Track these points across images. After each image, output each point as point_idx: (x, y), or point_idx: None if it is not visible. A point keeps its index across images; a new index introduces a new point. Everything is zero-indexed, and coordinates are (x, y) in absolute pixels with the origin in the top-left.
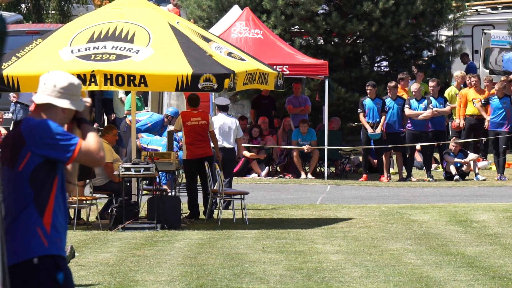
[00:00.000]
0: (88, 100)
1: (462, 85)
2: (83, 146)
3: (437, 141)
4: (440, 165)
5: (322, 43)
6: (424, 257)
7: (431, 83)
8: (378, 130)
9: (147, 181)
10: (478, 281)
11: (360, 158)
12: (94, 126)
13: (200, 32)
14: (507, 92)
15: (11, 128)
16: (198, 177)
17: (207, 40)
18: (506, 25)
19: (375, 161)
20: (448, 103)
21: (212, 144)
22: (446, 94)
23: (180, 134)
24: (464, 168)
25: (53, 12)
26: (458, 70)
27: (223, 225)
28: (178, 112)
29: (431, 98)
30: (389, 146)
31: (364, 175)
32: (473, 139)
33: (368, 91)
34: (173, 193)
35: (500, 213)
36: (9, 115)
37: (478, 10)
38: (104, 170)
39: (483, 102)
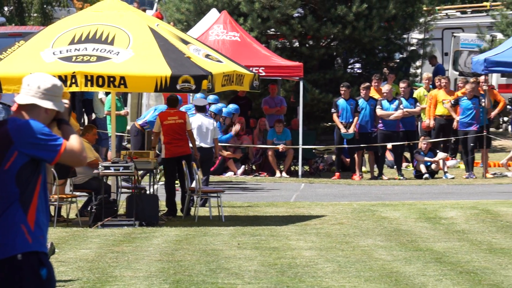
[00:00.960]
0: (67, 101)
1: (430, 86)
2: (67, 147)
3: (408, 140)
4: (410, 164)
5: (297, 45)
6: (394, 253)
7: (401, 84)
8: (351, 130)
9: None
10: (446, 276)
11: (333, 157)
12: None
13: (178, 35)
14: (476, 93)
15: None
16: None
17: (186, 42)
18: (475, 28)
19: (348, 160)
20: (417, 103)
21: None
22: (415, 95)
23: (226, 111)
24: (433, 166)
25: (35, 14)
26: (426, 72)
27: (200, 222)
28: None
29: (402, 99)
30: (361, 145)
31: (337, 174)
32: (442, 139)
33: (342, 92)
34: (151, 191)
35: (468, 210)
36: None
37: (448, 14)
38: (93, 167)
39: (452, 102)
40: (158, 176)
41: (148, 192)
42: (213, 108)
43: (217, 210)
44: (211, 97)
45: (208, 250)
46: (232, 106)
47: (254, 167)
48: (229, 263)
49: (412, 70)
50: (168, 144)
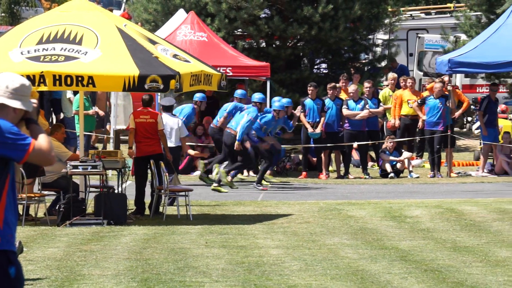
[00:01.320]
0: (35, 101)
1: (395, 87)
2: (36, 146)
3: (371, 140)
4: (376, 163)
5: (264, 45)
6: (360, 251)
7: (366, 84)
8: (318, 130)
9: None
10: (411, 274)
11: (300, 156)
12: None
13: (146, 35)
14: (443, 93)
15: None
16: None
17: (153, 42)
18: (439, 29)
19: (315, 159)
20: (381, 104)
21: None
22: (380, 96)
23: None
24: (398, 166)
25: (3, 14)
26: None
27: (168, 221)
28: (205, 96)
29: (367, 99)
30: (328, 145)
31: (304, 173)
32: (407, 138)
33: (310, 91)
34: (120, 190)
35: (432, 209)
36: None
37: (413, 15)
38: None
39: (419, 102)
40: (126, 176)
41: (116, 191)
42: (277, 105)
43: (185, 209)
44: (257, 96)
45: (176, 249)
46: (285, 100)
47: None
48: (197, 261)
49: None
50: (139, 143)
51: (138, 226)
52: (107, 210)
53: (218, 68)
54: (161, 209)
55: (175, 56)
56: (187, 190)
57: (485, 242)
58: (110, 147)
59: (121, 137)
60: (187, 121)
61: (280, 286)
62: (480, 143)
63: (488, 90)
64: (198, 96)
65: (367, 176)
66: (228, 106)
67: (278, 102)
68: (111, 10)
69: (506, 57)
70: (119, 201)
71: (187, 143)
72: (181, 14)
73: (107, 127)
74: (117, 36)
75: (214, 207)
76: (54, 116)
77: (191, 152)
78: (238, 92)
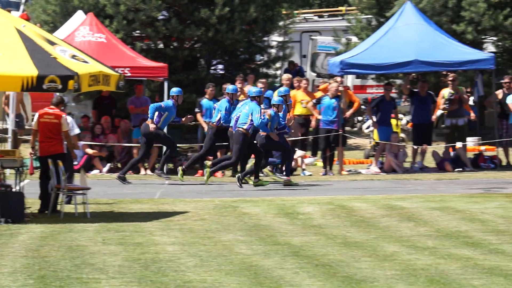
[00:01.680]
0: None
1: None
2: None
3: None
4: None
5: (162, 47)
6: (254, 247)
7: (259, 85)
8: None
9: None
10: (303, 269)
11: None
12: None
13: (45, 36)
14: (337, 93)
15: None
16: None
17: (52, 43)
18: (332, 32)
19: (211, 158)
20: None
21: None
22: (274, 96)
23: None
24: (292, 164)
25: None
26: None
27: (66, 219)
28: (181, 90)
29: None
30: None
31: (200, 171)
32: (301, 137)
33: (209, 91)
34: (17, 188)
35: (324, 205)
36: None
37: (306, 17)
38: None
39: (314, 102)
40: (24, 175)
41: (14, 189)
42: (276, 100)
43: (83, 207)
44: (254, 90)
45: (73, 246)
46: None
47: (119, 165)
48: (94, 258)
49: (272, 72)
50: (42, 143)
51: (35, 224)
52: (5, 209)
53: (117, 69)
54: (58, 207)
55: (73, 56)
56: (84, 188)
57: (374, 237)
58: (8, 146)
59: (20, 137)
60: (169, 115)
61: (175, 282)
62: (370, 141)
63: (379, 91)
64: (174, 90)
65: (262, 174)
66: (220, 105)
67: (277, 96)
68: (9, 11)
69: (395, 58)
70: (16, 200)
71: (85, 143)
72: (79, 15)
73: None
74: (15, 37)
75: (112, 205)
76: None
77: (89, 151)
78: (230, 88)
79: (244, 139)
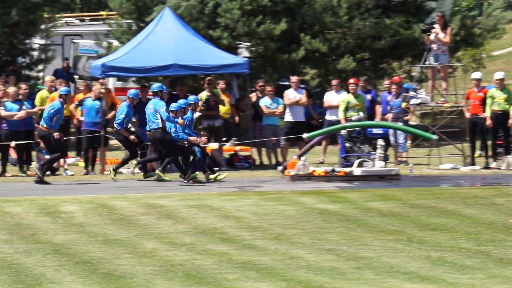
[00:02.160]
0: None
1: (53, 89)
2: None
3: (27, 139)
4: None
5: None
6: (15, 246)
7: (23, 86)
8: None
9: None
10: (64, 266)
11: None
12: None
13: None
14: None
15: None
16: None
17: None
18: (93, 35)
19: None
20: (39, 105)
21: None
22: (37, 97)
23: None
24: (55, 165)
25: None
26: (49, 75)
27: None
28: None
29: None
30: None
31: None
32: (68, 137)
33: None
34: None
35: (86, 204)
36: None
37: (68, 21)
38: None
39: (77, 104)
40: None
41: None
42: (175, 106)
43: None
44: (155, 85)
45: None
46: (181, 101)
47: None
48: None
49: (34, 74)
50: None
51: None
52: None
53: None
54: None
55: None
56: None
57: (134, 234)
58: None
59: None
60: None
61: None
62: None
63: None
64: (131, 92)
65: (24, 174)
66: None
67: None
68: None
69: (154, 62)
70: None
71: None
72: None
73: None
74: None
75: None
76: None
77: None
78: (131, 92)
79: (164, 136)
